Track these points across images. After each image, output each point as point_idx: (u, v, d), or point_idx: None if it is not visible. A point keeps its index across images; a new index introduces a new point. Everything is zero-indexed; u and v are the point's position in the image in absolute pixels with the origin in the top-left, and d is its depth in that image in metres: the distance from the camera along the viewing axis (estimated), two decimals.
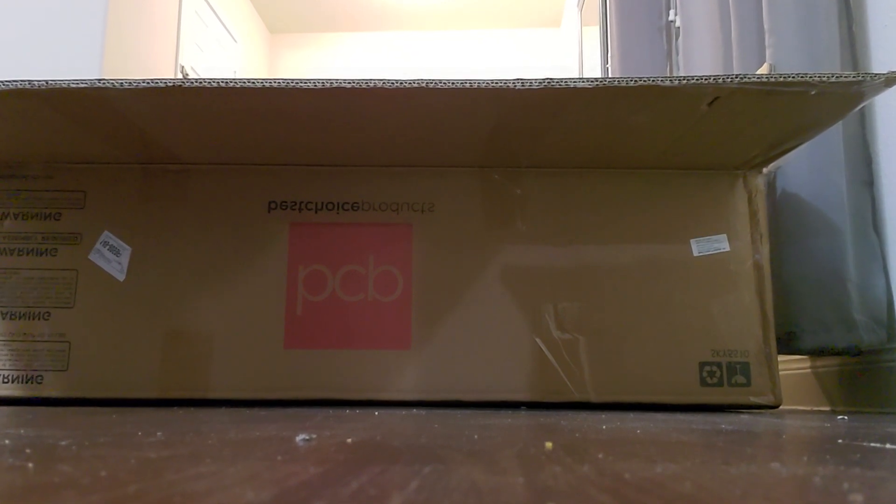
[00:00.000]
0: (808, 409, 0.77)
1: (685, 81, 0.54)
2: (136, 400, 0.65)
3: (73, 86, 0.54)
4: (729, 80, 0.54)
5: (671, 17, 1.12)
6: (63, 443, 0.30)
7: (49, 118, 0.60)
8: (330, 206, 0.69)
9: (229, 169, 0.70)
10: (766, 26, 0.75)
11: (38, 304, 0.67)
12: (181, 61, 2.20)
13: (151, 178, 0.70)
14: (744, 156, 0.68)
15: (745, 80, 0.54)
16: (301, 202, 0.69)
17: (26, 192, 0.69)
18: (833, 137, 0.70)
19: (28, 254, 0.68)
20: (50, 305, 0.67)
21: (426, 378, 0.66)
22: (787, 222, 0.73)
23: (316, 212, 0.69)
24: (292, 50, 3.38)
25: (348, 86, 0.54)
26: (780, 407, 0.68)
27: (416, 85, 0.54)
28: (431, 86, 0.54)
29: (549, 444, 0.31)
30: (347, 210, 0.69)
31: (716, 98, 0.56)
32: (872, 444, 0.33)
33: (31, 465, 0.23)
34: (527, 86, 0.54)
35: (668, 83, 0.54)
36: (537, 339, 0.67)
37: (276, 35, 3.40)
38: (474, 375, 0.66)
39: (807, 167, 0.71)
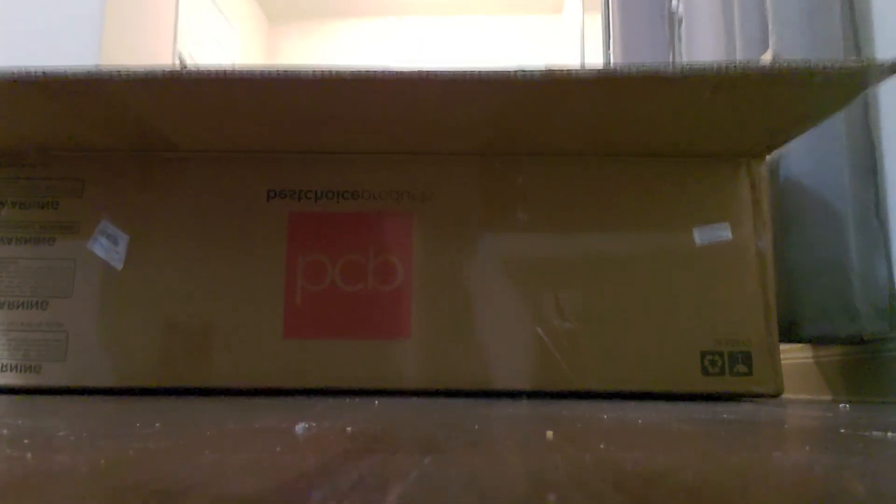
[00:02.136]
0: (810, 398, 0.77)
1: (687, 69, 0.54)
2: (135, 389, 0.65)
3: (71, 74, 0.54)
4: (732, 67, 0.54)
5: (674, 5, 1.11)
6: (61, 433, 0.30)
7: (46, 106, 0.59)
8: (329, 195, 0.69)
9: (227, 157, 0.69)
10: (769, 13, 0.74)
11: (35, 294, 0.66)
12: (179, 49, 2.19)
13: (149, 167, 0.69)
14: (746, 143, 0.68)
15: (748, 67, 0.54)
16: (300, 191, 0.69)
17: (24, 181, 0.68)
18: (836, 125, 0.69)
19: (26, 243, 0.67)
20: (48, 295, 0.66)
21: (426, 367, 0.66)
22: (789, 210, 0.72)
23: (315, 200, 0.69)
24: (291, 38, 3.36)
25: (348, 75, 0.53)
26: (782, 396, 0.68)
27: (416, 74, 0.53)
28: (432, 75, 0.53)
29: (549, 434, 0.31)
30: (347, 199, 0.69)
31: (718, 85, 0.56)
32: (874, 434, 0.33)
33: (29, 455, 0.23)
34: (528, 74, 0.54)
35: (670, 71, 0.54)
36: (538, 328, 0.67)
37: (275, 23, 3.38)
38: (475, 365, 0.66)
39: (809, 155, 0.71)
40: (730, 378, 0.66)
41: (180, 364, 0.65)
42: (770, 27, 0.74)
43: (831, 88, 0.56)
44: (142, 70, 0.53)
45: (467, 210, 0.69)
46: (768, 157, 0.72)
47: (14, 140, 0.67)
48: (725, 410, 0.49)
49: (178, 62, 2.14)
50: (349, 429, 0.33)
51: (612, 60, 1.26)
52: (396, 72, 0.53)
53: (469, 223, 0.68)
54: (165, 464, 0.21)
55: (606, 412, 0.45)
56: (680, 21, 1.07)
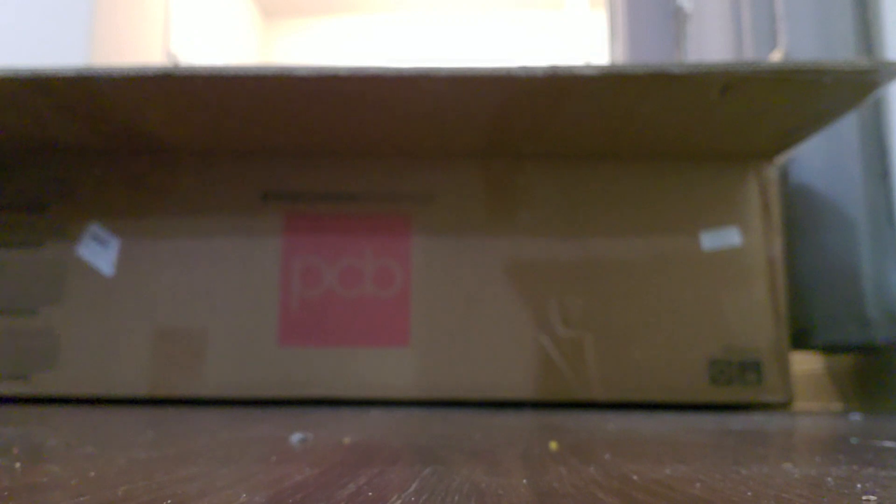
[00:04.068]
0: (821, 407, 0.76)
1: (695, 68, 0.53)
2: (126, 398, 0.64)
3: (60, 73, 0.53)
4: (741, 66, 0.53)
5: (680, 2, 1.10)
6: (51, 442, 0.29)
7: (35, 106, 0.58)
8: (327, 198, 0.68)
9: (221, 158, 0.68)
10: (778, 11, 0.73)
11: (24, 299, 0.65)
12: (171, 48, 2.19)
13: (140, 168, 0.68)
14: (755, 145, 0.67)
15: (756, 67, 0.53)
16: (296, 193, 0.68)
17: (12, 183, 0.67)
18: (848, 127, 0.68)
19: (14, 247, 0.66)
20: (37, 301, 0.65)
21: (426, 376, 0.65)
22: (799, 215, 0.71)
23: (312, 203, 0.68)
24: (287, 35, 3.37)
25: (345, 74, 0.53)
26: (792, 406, 0.67)
27: (415, 72, 0.53)
28: (432, 73, 0.53)
29: (553, 445, 0.31)
30: (345, 201, 0.68)
31: (727, 85, 0.55)
32: (886, 444, 0.32)
33: (18, 465, 0.23)
34: (531, 73, 0.53)
35: (677, 70, 0.53)
36: (541, 336, 0.66)
37: (270, 20, 3.38)
38: (476, 373, 0.65)
39: (820, 158, 0.70)
40: (739, 387, 0.65)
41: (173, 372, 0.64)
42: (779, 25, 0.73)
43: (842, 89, 0.56)
44: (133, 69, 0.53)
45: (468, 213, 0.68)
46: (778, 160, 0.71)
47: (1, 140, 0.66)
48: (734, 420, 0.49)
49: (170, 60, 2.14)
50: (346, 439, 0.32)
51: (617, 59, 1.26)
52: (395, 70, 0.53)
53: (469, 226, 0.67)
54: (157, 475, 0.21)
55: (612, 422, 0.45)
56: (687, 18, 1.06)
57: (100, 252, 0.65)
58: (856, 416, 0.55)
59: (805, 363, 0.81)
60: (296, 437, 0.32)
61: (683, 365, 0.65)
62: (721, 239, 0.67)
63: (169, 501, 0.17)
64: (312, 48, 3.32)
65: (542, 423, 0.44)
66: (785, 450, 0.31)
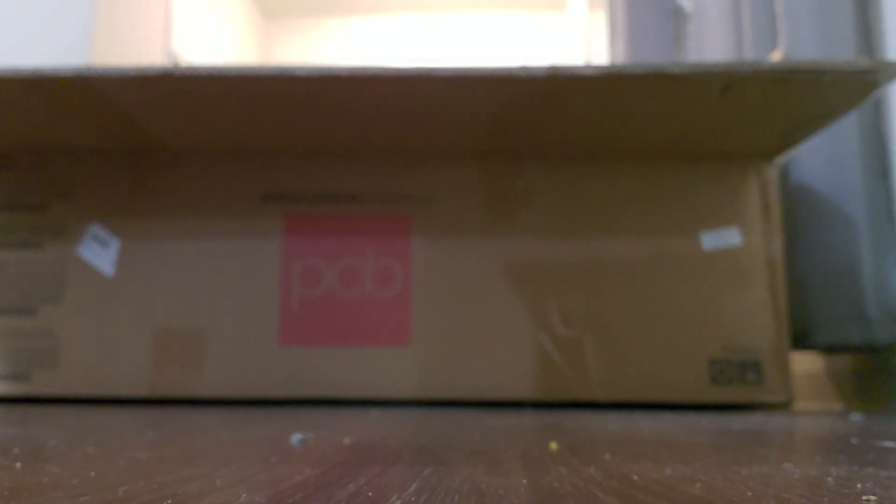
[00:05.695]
0: (822, 407, 0.76)
1: (695, 68, 0.53)
2: (126, 398, 0.64)
3: (61, 73, 0.53)
4: (741, 66, 0.53)
5: (680, 2, 1.10)
6: (51, 442, 0.29)
7: (35, 106, 0.58)
8: (327, 198, 0.68)
9: (222, 159, 0.68)
10: (778, 11, 0.73)
11: (24, 300, 0.65)
12: (172, 48, 2.19)
13: (141, 168, 0.68)
14: (756, 145, 0.67)
15: (757, 66, 0.53)
16: (296, 193, 0.68)
17: (11, 183, 0.67)
18: (848, 127, 0.68)
19: (14, 247, 0.66)
20: (37, 301, 0.65)
21: (426, 376, 0.65)
22: (800, 215, 0.71)
23: (312, 204, 0.68)
24: (287, 35, 3.37)
25: (345, 74, 0.53)
26: (792, 406, 0.67)
27: (415, 72, 0.53)
28: (432, 73, 0.53)
29: (553, 445, 0.31)
30: (345, 202, 0.68)
31: (727, 85, 0.55)
32: (887, 444, 0.32)
33: (18, 464, 0.23)
34: (531, 73, 0.53)
35: (677, 70, 0.53)
36: (541, 336, 0.66)
37: (270, 20, 3.38)
38: (476, 373, 0.65)
39: (821, 158, 0.70)
40: (739, 387, 0.65)
41: (173, 372, 0.64)
42: (779, 25, 0.73)
43: (842, 88, 0.56)
44: (133, 69, 0.53)
45: (468, 213, 0.68)
46: (778, 160, 0.71)
47: (1, 141, 0.66)
48: (734, 421, 0.49)
49: (170, 60, 2.14)
50: (346, 439, 0.32)
51: (617, 60, 1.26)
52: (395, 70, 0.53)
53: (470, 227, 0.68)
54: (157, 475, 0.21)
55: (612, 423, 0.45)
56: (688, 18, 1.06)
57: (100, 252, 0.65)
58: (856, 416, 0.55)
59: (805, 363, 0.81)
60: (296, 438, 0.32)
61: (683, 365, 0.65)
62: (721, 239, 0.67)
63: (169, 501, 0.17)
64: (312, 48, 3.32)
65: (542, 424, 0.44)
66: (785, 450, 0.30)
